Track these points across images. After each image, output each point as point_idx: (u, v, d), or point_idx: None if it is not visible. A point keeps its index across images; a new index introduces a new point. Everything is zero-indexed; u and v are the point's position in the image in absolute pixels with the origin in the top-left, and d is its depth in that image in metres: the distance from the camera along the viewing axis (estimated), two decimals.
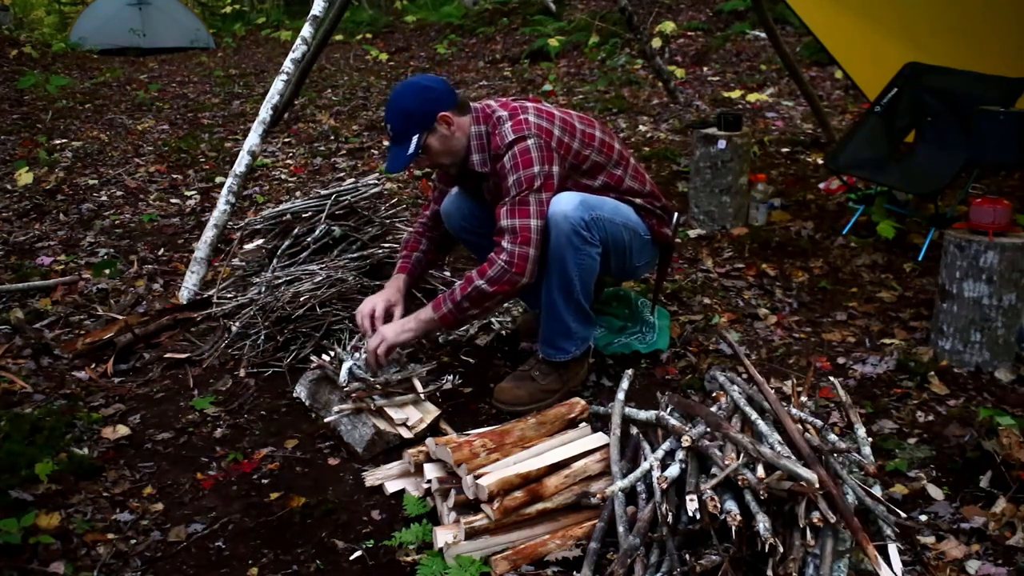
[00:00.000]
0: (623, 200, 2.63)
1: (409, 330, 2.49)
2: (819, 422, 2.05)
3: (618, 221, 2.54)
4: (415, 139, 2.45)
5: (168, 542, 2.10)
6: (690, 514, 1.78)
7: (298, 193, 4.90)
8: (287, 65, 3.97)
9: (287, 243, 3.23)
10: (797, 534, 1.76)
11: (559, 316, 2.55)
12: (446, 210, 2.77)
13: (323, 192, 3.38)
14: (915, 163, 4.02)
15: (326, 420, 2.53)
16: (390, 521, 2.16)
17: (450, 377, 2.68)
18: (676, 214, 2.82)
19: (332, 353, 2.69)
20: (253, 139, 3.75)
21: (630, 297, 3.07)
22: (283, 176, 5.38)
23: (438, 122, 2.46)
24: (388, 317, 2.61)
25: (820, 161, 4.99)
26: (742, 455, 1.84)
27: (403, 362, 2.65)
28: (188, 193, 5.09)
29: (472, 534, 1.97)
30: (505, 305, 3.17)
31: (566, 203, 2.42)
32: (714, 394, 2.24)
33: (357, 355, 2.60)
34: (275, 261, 3.20)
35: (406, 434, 2.43)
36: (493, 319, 3.11)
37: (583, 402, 2.38)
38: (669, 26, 8.31)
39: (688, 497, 1.80)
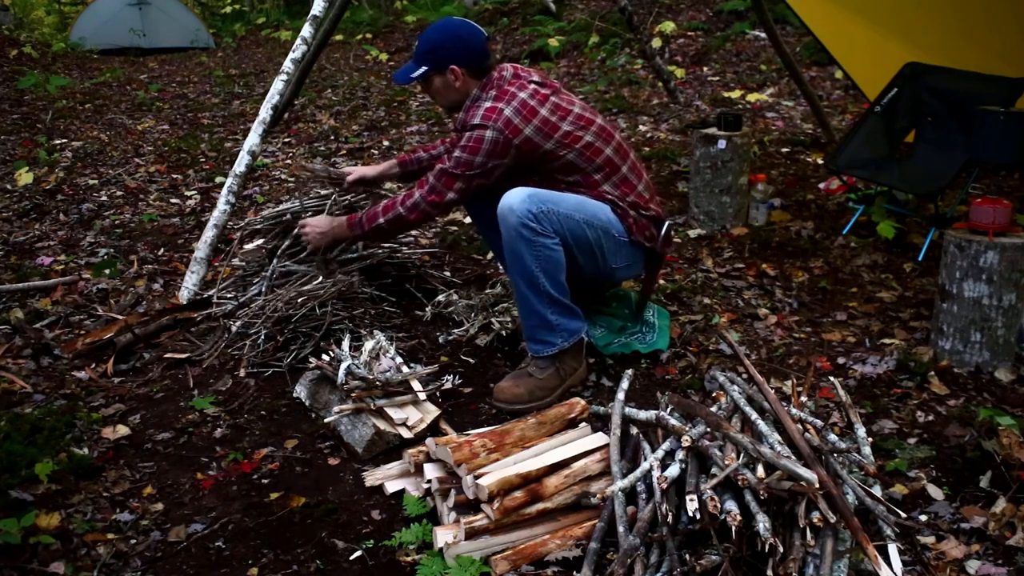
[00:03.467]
0: (602, 198, 2.65)
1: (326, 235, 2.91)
2: (819, 422, 2.05)
3: (578, 218, 2.55)
4: (422, 70, 2.66)
5: (168, 542, 2.10)
6: (690, 514, 1.78)
7: (298, 193, 4.89)
8: (287, 65, 3.97)
9: (287, 243, 3.23)
10: (797, 534, 1.76)
11: (533, 309, 2.56)
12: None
13: (323, 192, 3.38)
14: (915, 163, 4.02)
15: (326, 420, 2.53)
16: (390, 521, 2.16)
17: (450, 377, 2.68)
18: (667, 223, 2.80)
19: (332, 353, 2.69)
20: (253, 139, 3.75)
21: (630, 297, 3.08)
22: (283, 176, 5.38)
23: (447, 71, 2.65)
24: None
25: (820, 161, 4.99)
26: (742, 455, 1.84)
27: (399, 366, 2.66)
28: (188, 193, 5.09)
29: (472, 534, 1.97)
30: (505, 305, 3.17)
31: (514, 197, 2.47)
32: (714, 394, 2.24)
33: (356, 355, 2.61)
34: (275, 261, 3.20)
35: (406, 434, 2.43)
36: (493, 319, 3.11)
37: (583, 402, 2.39)
38: (669, 26, 8.32)
39: (688, 497, 1.80)
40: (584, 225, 2.56)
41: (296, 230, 3.04)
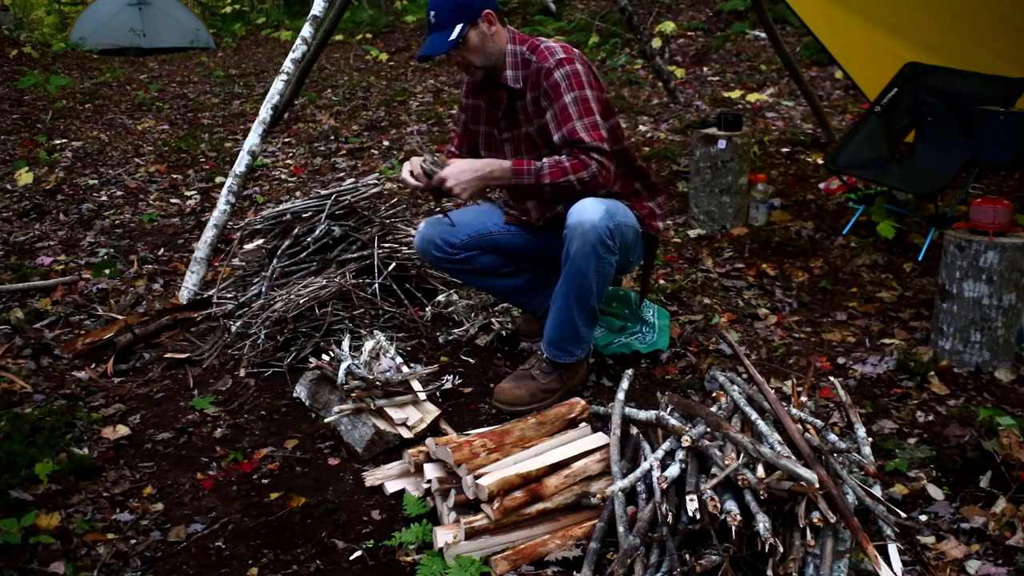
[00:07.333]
0: (635, 187, 2.67)
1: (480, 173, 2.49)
2: (819, 422, 2.05)
3: (629, 224, 2.56)
4: (459, 28, 2.44)
5: (168, 542, 2.10)
6: (690, 514, 1.78)
7: (298, 193, 4.90)
8: (287, 65, 3.97)
9: (287, 243, 3.24)
10: (797, 534, 1.76)
11: (571, 321, 2.55)
12: (422, 248, 2.76)
13: (323, 192, 3.38)
14: (915, 163, 4.02)
15: (326, 420, 2.53)
16: (390, 521, 2.16)
17: (450, 377, 2.68)
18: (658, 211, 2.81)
19: (332, 353, 2.69)
20: (253, 139, 3.75)
21: (630, 297, 3.07)
22: (283, 176, 5.38)
23: (483, 18, 2.48)
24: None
25: (820, 161, 4.99)
26: (742, 455, 1.84)
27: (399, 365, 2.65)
28: (188, 193, 5.09)
29: (472, 534, 1.97)
30: (505, 305, 3.17)
31: (592, 212, 2.41)
32: (714, 394, 2.24)
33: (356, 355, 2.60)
34: (275, 261, 3.20)
35: (406, 434, 2.43)
36: (493, 319, 3.11)
37: (583, 402, 2.39)
38: (669, 26, 8.32)
39: (688, 497, 1.80)
40: (632, 229, 2.57)
41: (430, 183, 2.49)
